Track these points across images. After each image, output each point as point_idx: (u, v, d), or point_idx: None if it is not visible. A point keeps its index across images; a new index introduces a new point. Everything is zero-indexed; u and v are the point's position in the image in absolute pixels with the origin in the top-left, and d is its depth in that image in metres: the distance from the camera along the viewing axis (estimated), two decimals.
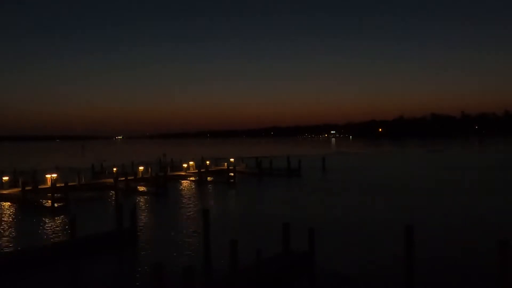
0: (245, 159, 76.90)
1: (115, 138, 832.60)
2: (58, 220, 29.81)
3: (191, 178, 55.48)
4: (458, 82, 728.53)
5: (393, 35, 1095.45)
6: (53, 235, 25.15)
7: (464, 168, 64.66)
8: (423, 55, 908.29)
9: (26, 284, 16.76)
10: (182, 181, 53.59)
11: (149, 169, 55.09)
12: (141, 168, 55.58)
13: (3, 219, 30.55)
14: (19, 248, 21.26)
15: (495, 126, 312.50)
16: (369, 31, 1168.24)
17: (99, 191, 43.02)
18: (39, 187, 41.60)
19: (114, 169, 58.50)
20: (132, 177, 47.98)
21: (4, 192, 40.54)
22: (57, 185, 38.66)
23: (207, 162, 66.65)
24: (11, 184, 45.19)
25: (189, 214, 31.44)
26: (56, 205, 35.06)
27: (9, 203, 37.91)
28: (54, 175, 43.45)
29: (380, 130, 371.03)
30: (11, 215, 32.42)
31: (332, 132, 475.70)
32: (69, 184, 38.81)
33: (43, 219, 30.23)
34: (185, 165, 62.03)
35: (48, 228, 27.25)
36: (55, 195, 35.68)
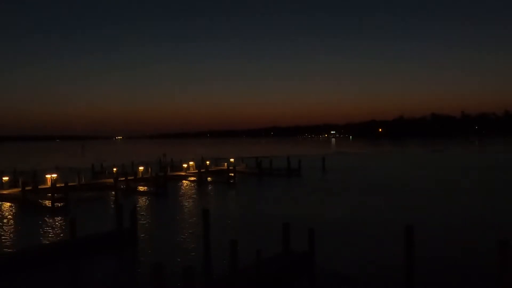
0: (245, 159, 76.89)
1: (115, 138, 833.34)
2: (58, 220, 29.81)
3: (191, 178, 55.47)
4: (458, 82, 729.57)
5: (393, 35, 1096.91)
6: (53, 235, 25.15)
7: (464, 168, 64.71)
8: (423, 55, 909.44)
9: (26, 284, 16.75)
10: (182, 181, 53.58)
11: (149, 169, 55.22)
12: (141, 168, 55.62)
13: (3, 219, 30.56)
14: (19, 248, 21.24)
15: (495, 126, 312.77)
16: (369, 31, 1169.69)
17: (99, 191, 42.99)
18: (39, 187, 41.65)
19: (114, 169, 58.56)
20: (132, 177, 48.03)
21: (4, 192, 40.55)
22: (57, 185, 38.68)
23: (207, 162, 66.76)
24: (11, 184, 45.24)
25: (189, 214, 31.44)
26: (56, 205, 35.07)
27: (9, 203, 37.89)
28: (54, 175, 43.51)
29: (380, 130, 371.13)
30: (11, 215, 32.41)
31: (332, 132, 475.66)
32: (69, 184, 38.85)
33: (43, 219, 30.20)
34: (185, 165, 62.06)
35: (48, 228, 27.23)
36: (55, 195, 35.69)
